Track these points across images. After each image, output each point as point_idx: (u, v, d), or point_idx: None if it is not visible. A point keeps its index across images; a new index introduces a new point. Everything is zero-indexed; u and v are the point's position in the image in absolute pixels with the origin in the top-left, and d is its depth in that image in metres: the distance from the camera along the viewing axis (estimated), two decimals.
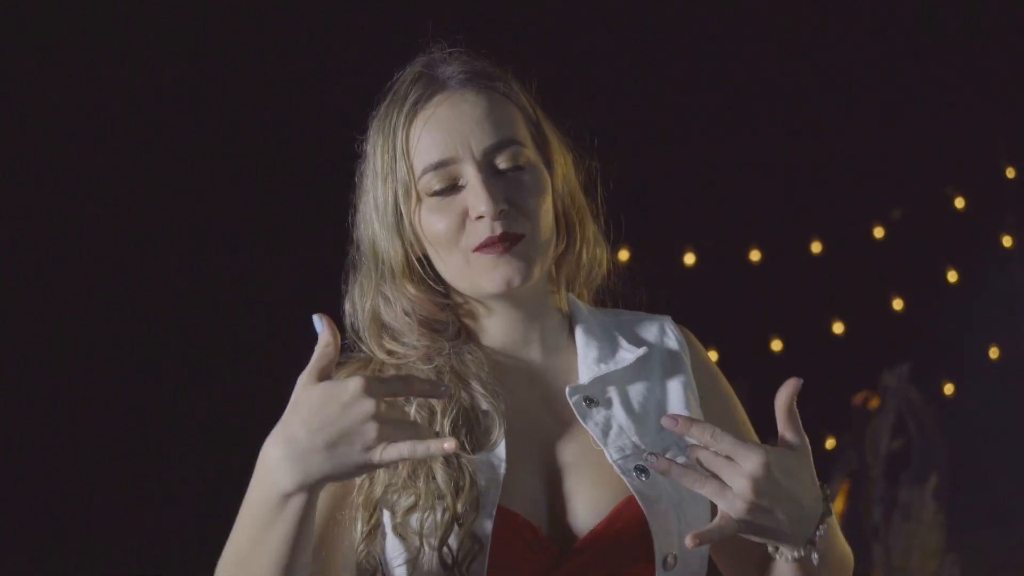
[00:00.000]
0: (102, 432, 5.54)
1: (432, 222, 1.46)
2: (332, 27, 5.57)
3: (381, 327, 1.50)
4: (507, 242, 1.44)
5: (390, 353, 1.48)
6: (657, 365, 1.56)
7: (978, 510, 4.87)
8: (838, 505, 4.87)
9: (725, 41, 5.83)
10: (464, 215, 1.45)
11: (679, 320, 1.64)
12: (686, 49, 5.78)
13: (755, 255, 5.73)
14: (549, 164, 1.51)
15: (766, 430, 5.84)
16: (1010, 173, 5.56)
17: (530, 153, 1.48)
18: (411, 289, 1.49)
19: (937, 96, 5.89)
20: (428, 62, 1.50)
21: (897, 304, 5.64)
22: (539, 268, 1.47)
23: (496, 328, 1.52)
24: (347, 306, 1.54)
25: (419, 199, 1.46)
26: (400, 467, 1.40)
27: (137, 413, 5.63)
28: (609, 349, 1.54)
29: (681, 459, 1.42)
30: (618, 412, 1.50)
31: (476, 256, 1.44)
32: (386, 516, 1.43)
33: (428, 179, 1.45)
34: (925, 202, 5.63)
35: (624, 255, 5.02)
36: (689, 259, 5.72)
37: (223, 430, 5.95)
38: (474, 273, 1.45)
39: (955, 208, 5.66)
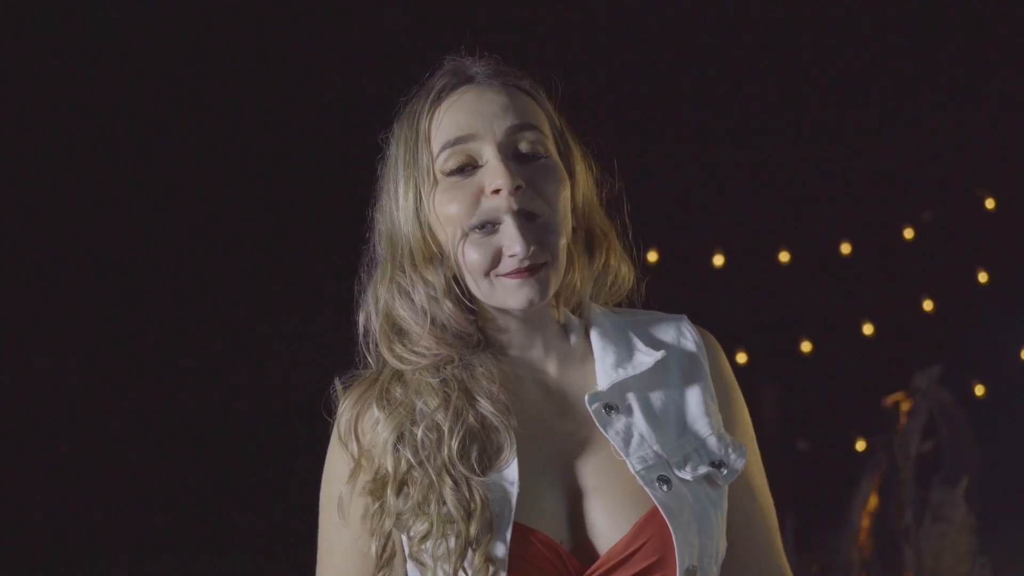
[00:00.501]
0: (106, 429, 5.62)
1: (444, 203, 1.45)
2: (354, 47, 5.61)
3: (392, 328, 1.48)
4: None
5: (400, 359, 1.47)
6: (675, 368, 1.52)
7: (1010, 512, 4.84)
8: (869, 506, 4.90)
9: (755, 47, 5.87)
10: (479, 195, 1.44)
11: (707, 322, 1.61)
12: (717, 54, 5.81)
13: (784, 256, 5.78)
14: (571, 175, 1.50)
15: (794, 432, 5.82)
16: None
17: (551, 147, 1.48)
18: (432, 273, 1.46)
19: (967, 98, 5.87)
20: (458, 62, 1.51)
21: (927, 305, 5.68)
22: (556, 282, 1.46)
23: (513, 336, 1.50)
24: (361, 316, 1.51)
25: (436, 182, 1.46)
26: (412, 493, 1.41)
27: (140, 412, 5.74)
28: (626, 352, 1.51)
29: (704, 469, 1.44)
30: (638, 420, 1.47)
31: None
32: (404, 541, 1.43)
33: (445, 157, 1.45)
34: (955, 203, 5.66)
35: (653, 256, 5.08)
36: (718, 260, 5.77)
37: (224, 429, 5.95)
38: (498, 290, 1.46)
39: (985, 209, 5.67)
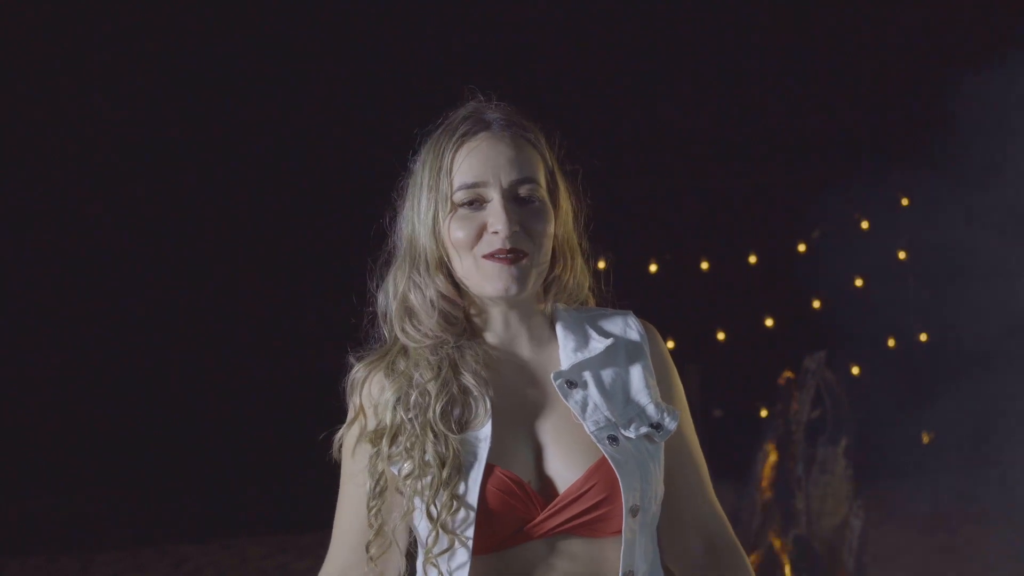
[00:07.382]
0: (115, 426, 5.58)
1: (455, 229, 1.47)
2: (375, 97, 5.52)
3: (406, 311, 1.50)
4: (512, 255, 1.46)
5: (408, 336, 1.50)
6: (622, 353, 1.54)
7: (877, 465, 4.97)
8: (770, 460, 4.87)
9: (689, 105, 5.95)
10: (483, 228, 1.47)
11: (643, 316, 1.64)
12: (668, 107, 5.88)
13: (704, 265, 5.83)
14: (556, 206, 1.52)
15: (711, 402, 5.67)
16: (904, 202, 5.72)
17: (543, 192, 1.50)
18: (441, 279, 1.49)
19: (849, 142, 5.98)
20: (477, 106, 1.52)
21: (816, 304, 5.77)
22: (532, 284, 1.49)
23: (496, 326, 1.53)
24: (380, 298, 1.54)
25: (453, 208, 1.47)
26: (402, 441, 1.45)
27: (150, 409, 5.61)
28: (583, 340, 1.53)
29: (644, 429, 1.48)
30: (593, 392, 1.49)
31: (484, 262, 1.47)
32: (395, 475, 1.49)
33: (461, 194, 1.47)
34: (838, 224, 5.72)
35: (602, 264, 5.06)
36: (653, 268, 5.78)
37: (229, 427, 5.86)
38: (481, 276, 1.47)
39: (861, 229, 5.78)
